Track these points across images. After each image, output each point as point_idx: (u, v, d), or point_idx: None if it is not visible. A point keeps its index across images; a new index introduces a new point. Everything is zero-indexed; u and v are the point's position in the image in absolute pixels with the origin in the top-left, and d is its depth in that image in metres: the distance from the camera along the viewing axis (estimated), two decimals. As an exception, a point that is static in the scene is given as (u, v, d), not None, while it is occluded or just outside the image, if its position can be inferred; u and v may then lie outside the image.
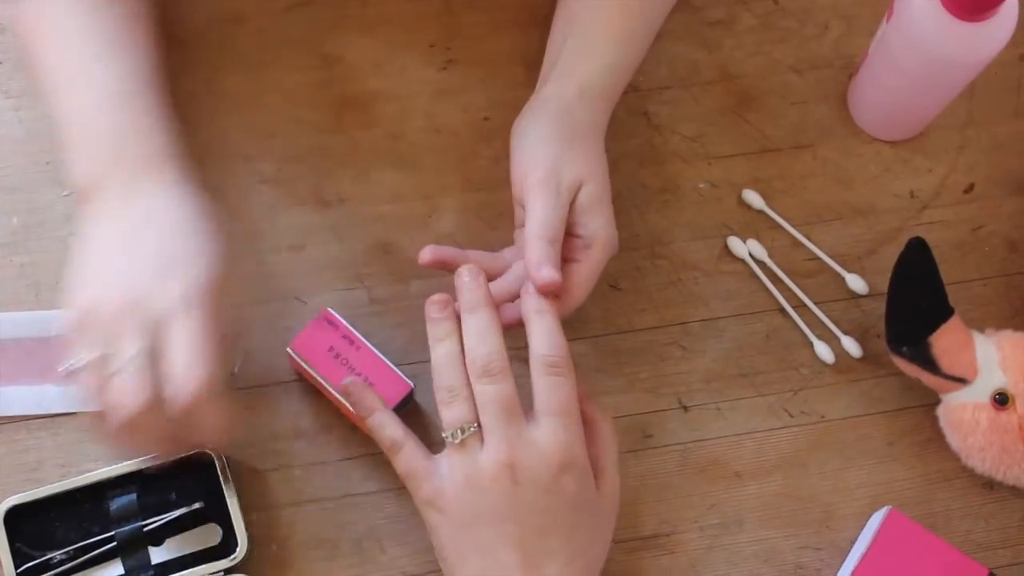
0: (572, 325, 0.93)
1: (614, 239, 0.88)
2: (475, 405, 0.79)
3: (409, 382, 0.87)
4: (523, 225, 0.85)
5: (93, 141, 0.84)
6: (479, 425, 0.78)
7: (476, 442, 0.78)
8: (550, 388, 0.79)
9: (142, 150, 0.84)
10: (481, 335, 0.79)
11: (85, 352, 0.76)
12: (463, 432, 0.78)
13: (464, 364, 0.80)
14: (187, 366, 0.75)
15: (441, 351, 0.80)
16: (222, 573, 0.86)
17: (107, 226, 0.81)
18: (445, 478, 0.79)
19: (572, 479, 0.78)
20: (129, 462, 0.86)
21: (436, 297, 0.82)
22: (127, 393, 0.75)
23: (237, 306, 0.93)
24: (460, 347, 0.80)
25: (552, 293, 0.82)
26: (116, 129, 0.84)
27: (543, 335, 0.81)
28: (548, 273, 0.81)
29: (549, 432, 0.78)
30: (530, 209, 0.84)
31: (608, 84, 0.91)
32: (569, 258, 0.86)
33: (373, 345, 0.87)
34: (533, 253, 0.82)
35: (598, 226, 0.86)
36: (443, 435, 0.79)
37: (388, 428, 0.82)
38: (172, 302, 0.76)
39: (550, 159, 0.85)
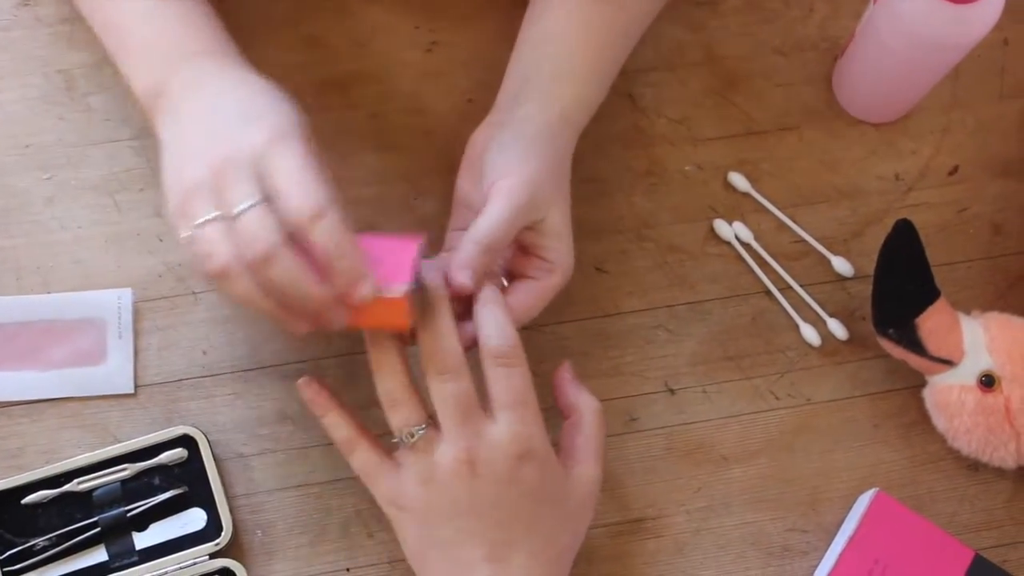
0: (558, 309, 0.92)
1: (572, 267, 0.86)
2: (420, 404, 0.78)
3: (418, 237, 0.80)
4: (461, 229, 0.83)
5: (150, 47, 0.83)
6: (429, 423, 0.78)
7: (428, 442, 0.77)
8: (502, 379, 0.78)
9: (199, 45, 0.83)
10: (437, 332, 0.78)
11: (199, 218, 0.73)
12: (412, 436, 0.77)
13: (403, 364, 0.78)
14: (299, 184, 0.72)
15: (378, 353, 0.79)
16: (207, 558, 0.85)
17: (181, 116, 0.79)
18: (403, 476, 0.79)
19: (532, 469, 0.78)
20: (114, 447, 0.86)
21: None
22: (256, 231, 0.71)
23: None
24: (398, 346, 0.79)
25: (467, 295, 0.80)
26: (170, 30, 0.83)
27: (492, 326, 0.79)
28: (464, 279, 0.78)
29: (505, 424, 0.77)
30: (489, 210, 0.81)
31: (583, 114, 0.90)
32: (527, 276, 0.85)
33: None
34: (463, 254, 0.79)
35: (563, 253, 0.85)
36: (393, 440, 0.78)
37: (341, 429, 0.81)
38: (264, 144, 0.73)
39: (529, 175, 0.82)
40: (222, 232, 0.71)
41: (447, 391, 0.77)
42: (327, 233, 0.71)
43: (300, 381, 0.83)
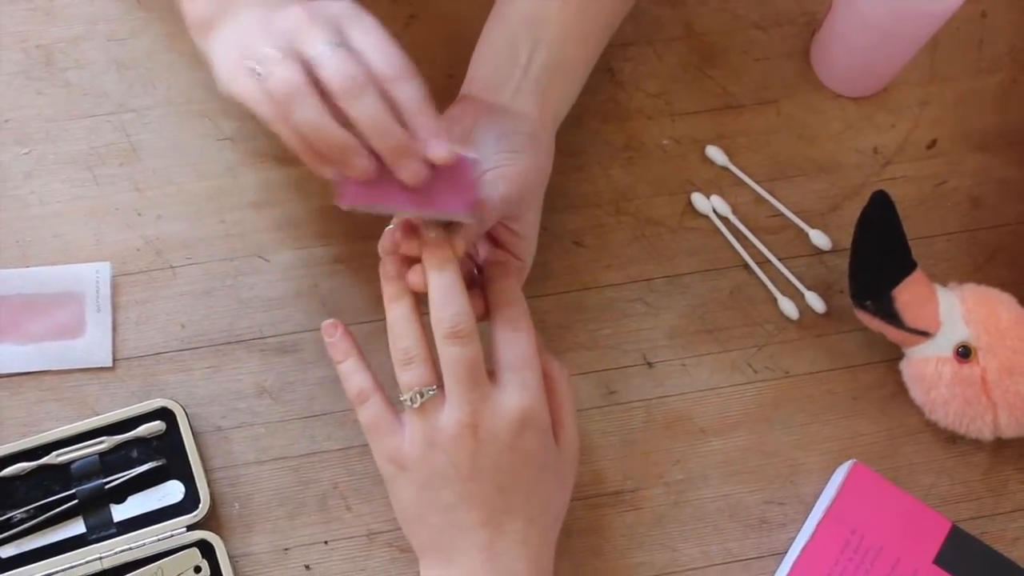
0: (536, 282, 0.93)
1: (534, 252, 0.88)
2: (433, 366, 0.78)
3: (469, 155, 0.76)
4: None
5: None
6: (438, 387, 0.77)
7: (436, 404, 0.77)
8: (509, 343, 0.79)
9: None
10: (447, 294, 0.77)
11: (274, 58, 0.71)
12: (422, 396, 0.77)
13: (420, 324, 0.79)
14: (387, 44, 0.72)
15: (397, 311, 0.79)
16: (184, 530, 0.85)
17: (239, 19, 0.78)
18: (406, 437, 0.78)
19: (533, 436, 0.78)
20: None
21: (391, 252, 0.80)
22: (342, 66, 0.70)
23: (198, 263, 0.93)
24: (415, 306, 0.79)
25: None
26: None
27: (502, 292, 0.81)
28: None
29: (510, 389, 0.78)
30: (492, 177, 0.80)
31: (567, 108, 0.90)
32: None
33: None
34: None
35: (531, 252, 0.86)
36: (401, 398, 0.78)
37: (357, 377, 0.81)
38: (342, 8, 0.73)
39: (523, 170, 0.82)
40: (299, 69, 0.70)
41: (456, 354, 0.77)
42: (414, 91, 0.71)
43: (325, 323, 0.83)
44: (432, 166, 0.72)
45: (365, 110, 0.70)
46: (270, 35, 0.72)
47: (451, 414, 0.77)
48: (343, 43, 0.71)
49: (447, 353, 0.77)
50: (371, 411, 0.80)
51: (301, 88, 0.70)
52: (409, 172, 0.72)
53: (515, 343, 0.79)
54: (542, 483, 0.80)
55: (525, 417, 0.78)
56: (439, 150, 0.72)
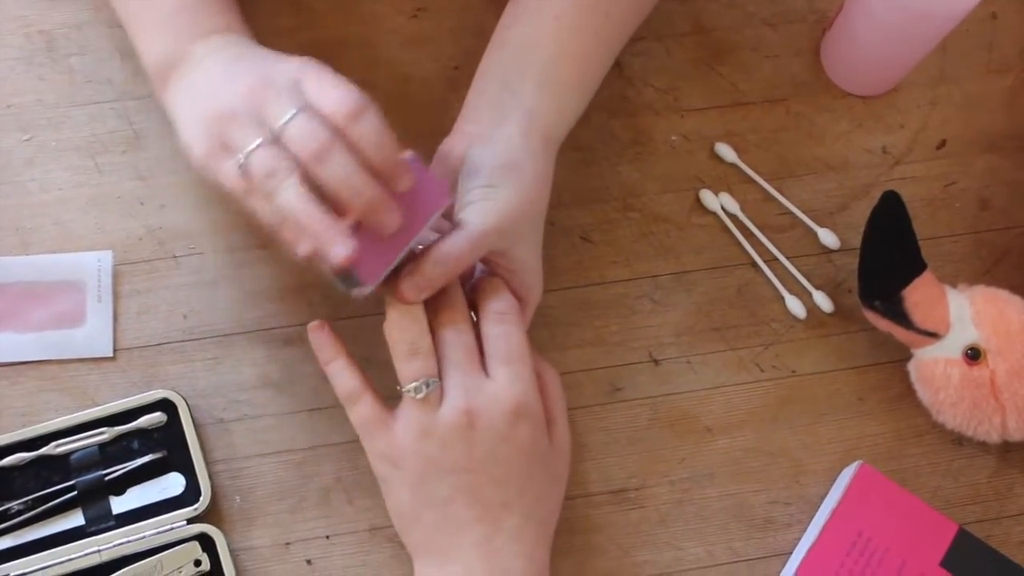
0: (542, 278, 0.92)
1: (540, 294, 0.87)
2: (436, 360, 0.79)
3: (446, 193, 0.79)
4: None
5: (166, 22, 0.83)
6: (441, 381, 0.78)
7: (437, 397, 0.78)
8: (500, 337, 0.80)
9: (215, 23, 0.82)
10: (445, 286, 0.79)
11: (246, 145, 0.72)
12: (428, 387, 0.78)
13: (423, 317, 0.79)
14: (334, 87, 0.72)
15: (400, 306, 0.79)
16: (184, 523, 0.85)
17: (196, 79, 0.79)
18: (401, 431, 0.79)
19: (527, 427, 0.79)
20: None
21: None
22: (305, 134, 0.71)
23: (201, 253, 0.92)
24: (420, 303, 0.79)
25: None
26: (190, 6, 0.83)
27: (491, 289, 0.81)
28: (409, 291, 0.78)
29: (502, 380, 0.79)
30: (456, 233, 0.78)
31: (565, 129, 0.88)
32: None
33: None
34: (419, 270, 0.78)
35: (533, 286, 0.85)
36: (403, 389, 0.78)
37: (347, 377, 0.81)
38: (295, 68, 0.74)
39: (505, 203, 0.80)
40: (274, 152, 0.71)
41: (453, 340, 0.78)
42: (370, 126, 0.71)
43: (312, 324, 0.83)
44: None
45: (333, 173, 0.71)
46: (235, 112, 0.73)
47: (448, 402, 0.78)
48: (303, 105, 0.71)
49: (444, 340, 0.79)
50: (363, 410, 0.80)
51: (280, 172, 0.71)
52: (387, 223, 0.73)
53: (505, 337, 0.80)
54: (536, 478, 0.80)
55: (519, 408, 0.78)
56: (405, 182, 0.74)
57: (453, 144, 0.85)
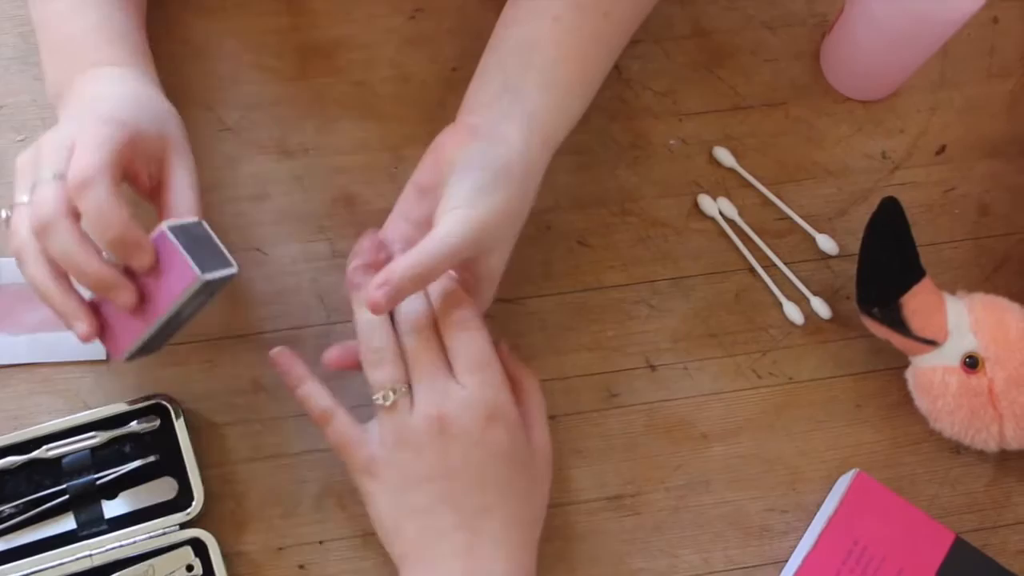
0: (539, 282, 0.93)
1: (489, 304, 0.86)
2: (404, 367, 0.80)
3: (195, 270, 0.75)
4: (402, 216, 0.85)
5: (61, 49, 0.84)
6: (408, 386, 0.79)
7: (406, 402, 0.79)
8: (463, 345, 0.80)
9: (104, 55, 0.83)
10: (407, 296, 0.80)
11: (17, 197, 0.75)
12: (395, 393, 0.79)
13: (390, 325, 0.80)
14: (80, 156, 0.73)
15: (366, 314, 0.79)
16: (177, 528, 0.84)
17: (68, 103, 0.81)
18: (376, 442, 0.80)
19: (502, 430, 0.79)
20: (83, 414, 0.85)
21: (358, 263, 0.82)
22: (42, 202, 0.72)
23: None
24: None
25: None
26: (82, 37, 0.83)
27: (449, 297, 0.82)
28: (379, 297, 0.77)
29: (471, 387, 0.79)
30: (432, 239, 0.78)
31: (564, 132, 0.88)
32: None
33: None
34: (391, 275, 0.77)
35: (488, 296, 0.85)
36: (373, 397, 0.79)
37: (316, 399, 0.82)
38: (83, 126, 0.75)
39: (487, 212, 0.80)
40: (22, 215, 0.74)
41: (421, 347, 0.79)
42: (92, 202, 0.71)
43: (274, 351, 0.83)
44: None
45: (54, 248, 0.72)
46: (24, 165, 0.76)
47: (418, 408, 0.79)
48: (59, 172, 0.73)
49: (412, 347, 0.80)
50: (336, 427, 0.81)
51: (25, 242, 0.73)
52: (120, 300, 0.75)
53: (468, 344, 0.80)
54: (516, 482, 0.80)
55: (491, 412, 0.79)
56: (139, 260, 0.74)
57: (449, 138, 0.84)
